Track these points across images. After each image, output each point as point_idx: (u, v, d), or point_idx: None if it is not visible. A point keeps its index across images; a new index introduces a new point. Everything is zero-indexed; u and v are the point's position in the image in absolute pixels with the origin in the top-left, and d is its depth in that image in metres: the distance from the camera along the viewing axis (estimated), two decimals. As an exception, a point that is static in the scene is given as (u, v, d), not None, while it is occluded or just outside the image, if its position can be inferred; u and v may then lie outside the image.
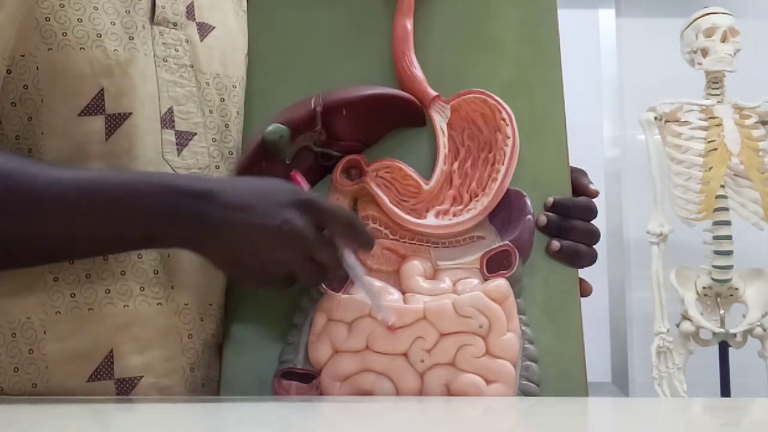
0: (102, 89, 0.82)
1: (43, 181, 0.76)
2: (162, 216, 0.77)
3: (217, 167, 0.88)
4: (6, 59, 0.81)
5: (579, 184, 0.88)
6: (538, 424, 0.64)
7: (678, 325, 2.35)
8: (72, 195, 0.76)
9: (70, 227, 0.77)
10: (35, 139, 0.82)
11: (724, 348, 2.38)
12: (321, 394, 0.80)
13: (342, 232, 0.81)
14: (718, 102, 2.35)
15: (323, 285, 0.84)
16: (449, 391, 0.80)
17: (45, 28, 0.81)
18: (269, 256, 0.78)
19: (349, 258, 0.80)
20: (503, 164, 0.85)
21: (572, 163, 0.88)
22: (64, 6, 0.82)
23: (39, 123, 0.82)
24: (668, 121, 2.38)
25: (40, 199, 0.76)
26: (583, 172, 0.90)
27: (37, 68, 0.82)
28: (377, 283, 0.83)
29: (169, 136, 0.85)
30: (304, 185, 0.84)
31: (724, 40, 2.36)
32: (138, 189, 0.77)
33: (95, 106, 0.82)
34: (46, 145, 0.81)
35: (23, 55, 0.81)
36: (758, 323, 2.29)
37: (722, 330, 2.29)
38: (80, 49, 0.82)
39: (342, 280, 0.84)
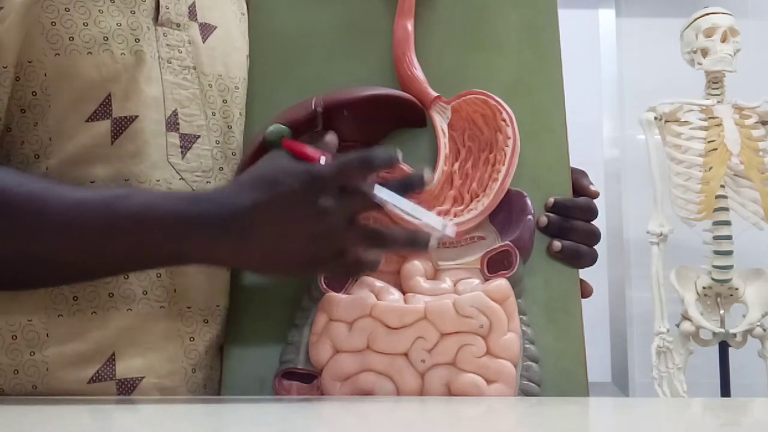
0: (110, 94, 0.82)
1: (55, 205, 0.75)
2: (178, 243, 0.75)
3: (221, 169, 0.88)
4: (13, 67, 0.81)
5: (579, 185, 0.88)
6: (538, 424, 0.64)
7: (678, 325, 2.35)
8: (87, 222, 0.75)
9: (85, 256, 0.77)
10: (41, 144, 0.81)
11: (724, 348, 2.38)
12: (322, 394, 0.81)
13: (362, 177, 0.76)
14: (718, 102, 2.35)
15: (324, 285, 0.84)
16: (450, 391, 0.80)
17: (51, 33, 0.81)
18: (299, 252, 0.75)
19: (381, 193, 0.76)
20: (504, 165, 0.85)
21: (572, 164, 0.88)
22: (69, 10, 0.81)
23: (46, 128, 0.81)
24: (668, 121, 2.38)
25: (54, 225, 0.75)
26: (583, 173, 0.90)
27: (45, 74, 0.81)
28: (378, 283, 0.83)
29: (174, 139, 0.85)
30: (307, 151, 0.78)
31: (724, 40, 2.36)
32: (154, 217, 0.75)
33: (103, 111, 0.82)
34: (52, 150, 0.81)
35: (30, 62, 0.81)
36: (758, 323, 2.29)
37: (722, 330, 2.29)
38: (87, 53, 0.81)
39: (343, 280, 0.84)
